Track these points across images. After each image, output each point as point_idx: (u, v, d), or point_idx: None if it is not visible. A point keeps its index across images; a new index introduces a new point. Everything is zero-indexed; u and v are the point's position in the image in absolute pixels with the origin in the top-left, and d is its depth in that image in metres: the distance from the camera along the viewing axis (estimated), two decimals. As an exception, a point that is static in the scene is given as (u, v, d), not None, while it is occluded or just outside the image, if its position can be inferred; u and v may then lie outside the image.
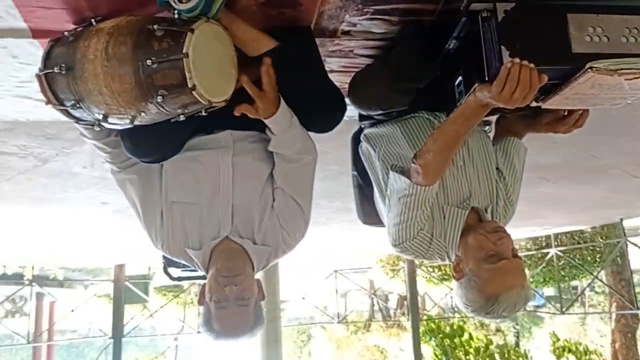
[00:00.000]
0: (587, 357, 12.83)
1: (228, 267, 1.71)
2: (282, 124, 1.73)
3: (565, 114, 1.83)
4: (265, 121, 1.71)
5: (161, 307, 12.14)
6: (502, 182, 1.93)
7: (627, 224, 9.80)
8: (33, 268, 11.53)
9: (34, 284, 10.75)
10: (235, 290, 1.67)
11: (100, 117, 1.52)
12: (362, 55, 2.05)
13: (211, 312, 1.71)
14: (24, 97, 2.27)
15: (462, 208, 1.81)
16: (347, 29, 1.87)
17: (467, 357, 13.29)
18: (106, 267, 12.17)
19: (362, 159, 2.08)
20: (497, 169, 1.94)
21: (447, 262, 1.85)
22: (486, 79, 1.46)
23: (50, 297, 12.37)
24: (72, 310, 10.29)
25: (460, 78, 1.65)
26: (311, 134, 1.86)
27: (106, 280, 11.06)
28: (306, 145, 1.83)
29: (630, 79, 1.41)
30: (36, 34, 1.74)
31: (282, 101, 1.70)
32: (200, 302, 1.78)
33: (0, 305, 13.45)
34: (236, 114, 1.67)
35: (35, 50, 1.86)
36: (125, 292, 10.13)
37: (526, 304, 1.75)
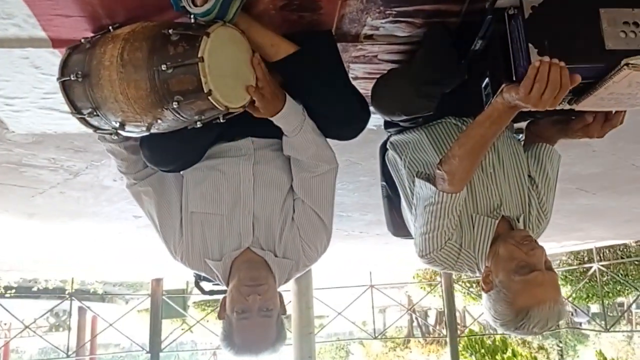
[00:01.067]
0: (635, 377, 12.37)
1: (251, 276, 1.67)
2: (291, 123, 1.67)
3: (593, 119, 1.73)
4: (273, 120, 1.65)
5: (197, 322, 12.17)
6: (534, 190, 1.84)
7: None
8: (73, 282, 11.72)
9: (73, 298, 10.93)
10: (259, 300, 1.63)
11: (117, 125, 1.50)
12: (386, 61, 1.99)
13: (233, 324, 1.66)
14: (50, 109, 2.27)
15: (492, 217, 1.73)
16: (369, 32, 1.82)
17: (509, 375, 12.98)
18: (145, 281, 12.30)
19: (389, 167, 2.01)
20: (529, 176, 1.85)
21: (477, 274, 1.76)
22: (514, 79, 1.39)
23: (92, 311, 12.54)
24: (110, 325, 10.40)
25: (487, 80, 1.57)
26: (340, 143, 1.81)
27: (144, 295, 11.15)
28: (323, 152, 1.77)
29: None
30: (56, 43, 1.73)
31: (289, 98, 1.64)
32: (220, 316, 1.73)
33: (44, 319, 13.70)
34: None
35: (57, 61, 1.85)
36: (163, 306, 10.19)
37: (559, 321, 1.64)
